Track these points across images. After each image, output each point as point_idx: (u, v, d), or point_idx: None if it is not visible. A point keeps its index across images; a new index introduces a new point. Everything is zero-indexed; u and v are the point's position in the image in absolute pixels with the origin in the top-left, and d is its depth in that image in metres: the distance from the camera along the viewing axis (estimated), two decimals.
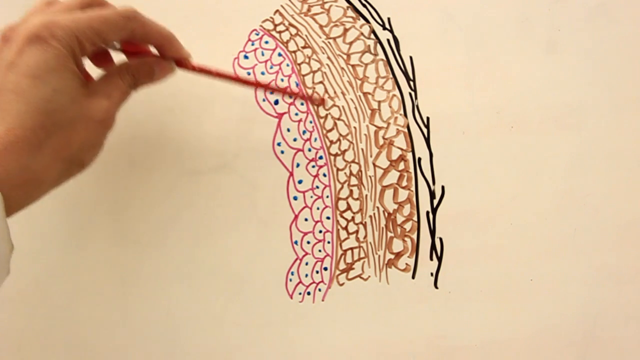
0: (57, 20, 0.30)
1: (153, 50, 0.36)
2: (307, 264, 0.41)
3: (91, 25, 0.31)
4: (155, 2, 0.41)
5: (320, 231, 0.41)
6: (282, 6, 0.42)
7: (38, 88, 0.28)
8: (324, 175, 0.41)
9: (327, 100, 0.40)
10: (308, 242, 0.41)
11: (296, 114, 0.41)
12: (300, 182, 0.41)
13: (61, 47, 0.29)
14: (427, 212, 0.41)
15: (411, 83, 0.41)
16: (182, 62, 0.36)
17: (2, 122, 0.28)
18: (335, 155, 0.41)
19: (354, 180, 0.41)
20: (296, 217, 0.41)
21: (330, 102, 0.40)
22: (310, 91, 0.42)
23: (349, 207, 0.41)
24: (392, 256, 0.41)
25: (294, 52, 0.42)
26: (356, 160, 0.41)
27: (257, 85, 0.40)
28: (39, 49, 0.29)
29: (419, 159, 0.41)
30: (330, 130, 0.41)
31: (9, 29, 0.31)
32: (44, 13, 0.31)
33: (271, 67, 0.42)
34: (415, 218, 0.41)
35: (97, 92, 0.32)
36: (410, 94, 0.41)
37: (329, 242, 0.41)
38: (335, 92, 0.41)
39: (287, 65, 0.42)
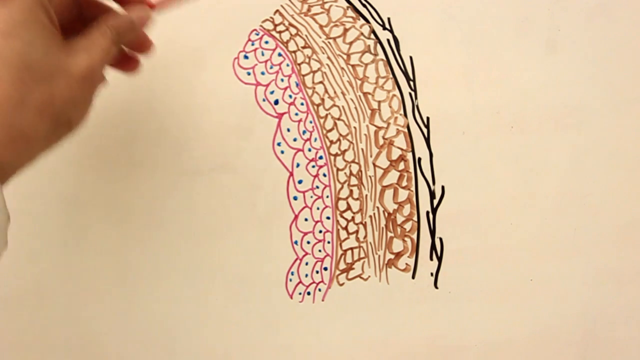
0: None
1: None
2: (307, 264, 0.41)
3: None
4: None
5: (320, 231, 0.41)
6: (282, 6, 0.42)
7: (8, 43, 0.28)
8: (324, 175, 0.41)
9: None
10: (308, 242, 0.41)
11: (296, 114, 0.41)
12: (300, 182, 0.41)
13: (25, 1, 0.28)
14: (427, 212, 0.41)
15: (411, 83, 0.41)
16: (154, 3, 0.35)
17: None
18: (335, 155, 0.41)
19: (354, 180, 0.41)
20: (296, 217, 0.41)
21: None
22: (310, 91, 0.42)
23: (349, 207, 0.41)
24: (392, 256, 0.41)
25: (294, 52, 0.42)
26: (356, 160, 0.41)
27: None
28: (3, 7, 0.28)
29: (419, 159, 0.41)
30: (330, 130, 0.41)
31: None
32: None
33: (271, 67, 0.42)
34: (415, 218, 0.41)
35: (76, 47, 0.31)
36: (410, 94, 0.41)
37: (329, 242, 0.41)
38: (335, 92, 0.41)
39: (287, 65, 0.42)
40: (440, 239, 0.41)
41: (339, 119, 0.41)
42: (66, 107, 0.30)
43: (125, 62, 0.37)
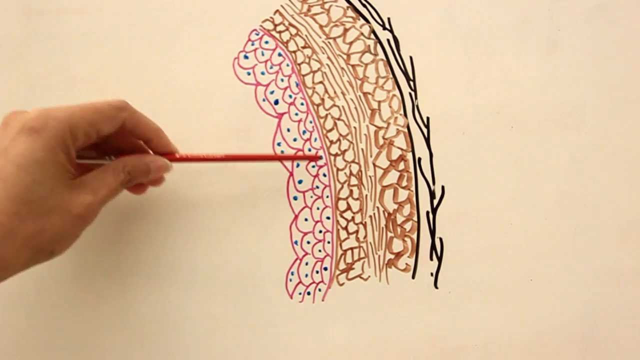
0: (52, 112, 0.31)
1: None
2: (307, 264, 0.41)
3: (84, 116, 0.32)
4: (155, 2, 0.41)
5: (320, 231, 0.41)
6: (282, 6, 0.42)
7: (20, 177, 0.29)
8: (324, 175, 0.41)
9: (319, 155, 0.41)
10: (308, 242, 0.41)
11: (296, 114, 0.41)
12: (300, 182, 0.41)
13: (51, 139, 0.30)
14: (427, 212, 0.41)
15: (411, 83, 0.41)
16: (175, 158, 0.37)
17: None
18: (335, 155, 0.41)
19: (354, 180, 0.41)
20: (296, 217, 0.41)
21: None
22: (310, 91, 0.42)
23: (349, 207, 0.41)
24: (392, 256, 0.41)
25: (294, 52, 0.42)
26: (356, 160, 0.41)
27: (246, 159, 0.40)
28: (29, 139, 0.30)
29: (419, 159, 0.41)
30: (330, 130, 0.41)
31: (12, 114, 0.32)
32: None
33: (271, 67, 0.42)
34: (415, 218, 0.41)
35: (84, 186, 0.33)
36: (410, 94, 0.41)
37: (329, 242, 0.41)
38: (335, 92, 0.41)
39: (287, 65, 0.42)
40: (440, 239, 0.41)
41: (339, 119, 0.41)
42: (53, 241, 0.32)
43: (133, 188, 0.38)
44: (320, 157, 0.41)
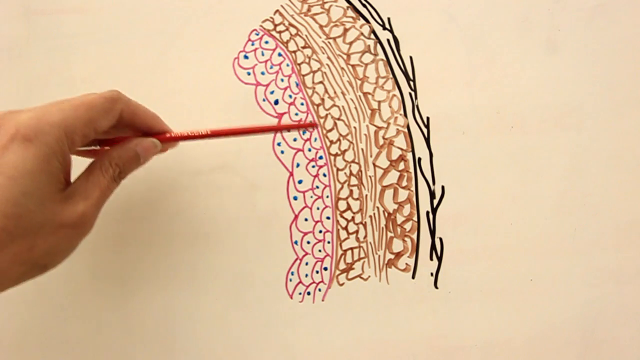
0: (46, 116, 0.29)
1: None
2: (307, 264, 0.41)
3: (78, 116, 0.30)
4: (155, 2, 0.41)
5: (320, 231, 0.41)
6: (282, 6, 0.42)
7: (8, 189, 0.27)
8: (324, 175, 0.41)
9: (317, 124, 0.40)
10: (308, 242, 0.41)
11: (296, 114, 0.41)
12: (300, 182, 0.41)
13: (45, 147, 0.28)
14: (427, 212, 0.41)
15: (411, 83, 0.41)
16: (165, 137, 0.35)
17: None
18: (335, 155, 0.41)
19: (354, 180, 0.41)
20: (296, 217, 0.41)
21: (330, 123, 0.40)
22: (310, 91, 0.42)
23: (349, 207, 0.41)
24: (392, 256, 0.41)
25: (294, 52, 0.42)
26: (356, 160, 0.41)
27: (243, 132, 0.38)
28: (22, 148, 0.28)
29: (419, 159, 0.41)
30: (330, 130, 0.41)
31: (5, 117, 0.29)
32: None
33: (271, 67, 0.42)
34: (415, 218, 0.41)
35: (74, 194, 0.30)
36: (410, 94, 0.41)
37: (329, 242, 0.41)
38: (335, 92, 0.41)
39: (287, 65, 0.42)
40: (440, 239, 0.41)
41: (339, 119, 0.41)
42: (46, 255, 0.30)
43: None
44: (316, 125, 0.40)
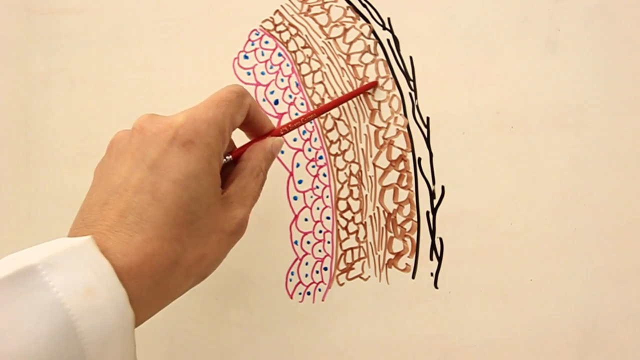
0: (198, 115, 0.28)
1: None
2: (307, 264, 0.41)
3: (224, 112, 0.28)
4: (155, 2, 0.41)
5: (320, 231, 0.41)
6: (282, 6, 0.42)
7: (177, 194, 0.26)
8: (324, 175, 0.41)
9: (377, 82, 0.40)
10: (308, 242, 0.41)
11: (296, 114, 0.41)
12: (300, 182, 0.41)
13: (206, 148, 0.27)
14: (427, 212, 0.41)
15: (411, 83, 0.41)
16: (283, 129, 0.35)
17: (139, 229, 0.25)
18: (335, 155, 0.41)
19: (354, 180, 0.41)
20: (296, 217, 0.41)
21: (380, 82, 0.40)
22: (310, 91, 0.42)
23: (349, 207, 0.41)
24: (392, 256, 0.41)
25: (294, 52, 0.42)
26: (356, 160, 0.41)
27: (333, 105, 0.38)
28: (182, 151, 0.26)
29: (419, 159, 0.41)
30: (330, 130, 0.41)
31: (148, 120, 0.28)
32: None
33: (271, 67, 0.42)
34: (415, 218, 0.41)
35: (232, 199, 0.29)
36: (410, 94, 0.41)
37: (329, 242, 0.41)
38: (335, 92, 0.41)
39: (287, 65, 0.42)
40: (440, 239, 0.41)
41: (339, 119, 0.41)
42: (212, 265, 0.29)
43: None
44: (377, 83, 0.39)
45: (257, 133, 0.34)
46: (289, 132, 0.35)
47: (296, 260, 0.41)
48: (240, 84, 0.31)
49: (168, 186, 0.26)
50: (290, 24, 0.42)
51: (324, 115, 0.41)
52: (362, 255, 0.41)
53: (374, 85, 0.40)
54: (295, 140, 0.41)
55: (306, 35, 0.42)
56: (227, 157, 0.31)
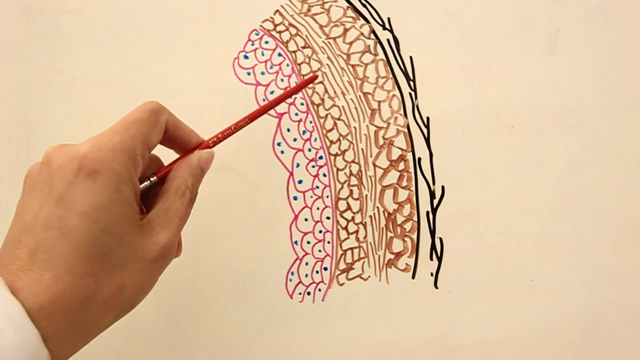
0: (104, 142, 0.27)
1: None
2: (307, 264, 0.41)
3: (132, 135, 0.27)
4: (155, 2, 0.41)
5: (320, 231, 0.41)
6: (282, 6, 0.42)
7: (85, 228, 0.25)
8: (324, 175, 0.41)
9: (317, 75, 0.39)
10: (308, 242, 0.41)
11: (296, 114, 0.41)
12: (300, 182, 0.41)
13: (113, 175, 0.26)
14: (427, 212, 0.41)
15: (411, 83, 0.41)
16: (212, 141, 0.33)
17: (48, 267, 0.24)
18: (335, 155, 0.41)
19: (354, 180, 0.41)
20: (296, 217, 0.41)
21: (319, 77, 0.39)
22: (310, 91, 0.42)
23: (349, 207, 0.41)
24: (392, 256, 0.41)
25: (294, 52, 0.42)
26: (356, 160, 0.41)
27: (267, 108, 0.36)
28: (88, 181, 0.25)
29: (419, 159, 0.41)
30: (330, 130, 0.41)
31: (55, 151, 0.27)
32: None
33: (271, 67, 0.42)
34: (415, 218, 0.41)
35: (154, 224, 0.28)
36: (410, 94, 0.41)
37: (329, 242, 0.41)
38: (335, 92, 0.41)
39: (287, 65, 0.42)
40: (440, 239, 0.41)
41: (339, 119, 0.41)
42: (134, 295, 0.27)
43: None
44: (317, 77, 0.39)
45: (185, 148, 0.32)
46: (219, 142, 0.34)
47: (296, 260, 0.41)
48: (156, 101, 0.30)
49: (75, 220, 0.25)
50: (290, 24, 0.42)
51: (324, 115, 0.41)
52: (362, 255, 0.41)
53: (313, 80, 0.39)
54: (295, 140, 0.41)
55: (306, 35, 0.42)
56: (151, 179, 0.30)
